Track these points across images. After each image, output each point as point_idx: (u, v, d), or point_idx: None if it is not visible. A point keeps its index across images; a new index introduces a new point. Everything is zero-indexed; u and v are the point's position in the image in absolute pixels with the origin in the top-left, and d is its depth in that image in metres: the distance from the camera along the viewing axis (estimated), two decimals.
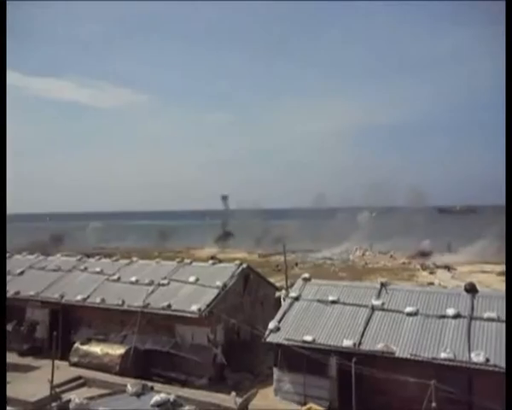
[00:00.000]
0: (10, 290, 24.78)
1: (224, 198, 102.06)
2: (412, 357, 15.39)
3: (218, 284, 21.51)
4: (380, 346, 15.92)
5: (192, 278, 22.58)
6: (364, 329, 16.97)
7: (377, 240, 70.67)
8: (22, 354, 22.65)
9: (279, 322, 18.20)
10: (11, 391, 17.54)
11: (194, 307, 20.14)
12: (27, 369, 20.81)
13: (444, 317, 16.61)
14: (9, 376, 19.75)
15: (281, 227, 79.69)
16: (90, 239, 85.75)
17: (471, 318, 16.23)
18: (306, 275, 21.04)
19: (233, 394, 16.45)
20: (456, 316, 16.44)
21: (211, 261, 25.76)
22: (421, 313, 17.05)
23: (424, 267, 52.98)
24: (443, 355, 15.01)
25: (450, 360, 14.87)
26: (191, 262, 25.29)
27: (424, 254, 61.09)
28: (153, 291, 22.42)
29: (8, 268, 27.28)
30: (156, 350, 20.62)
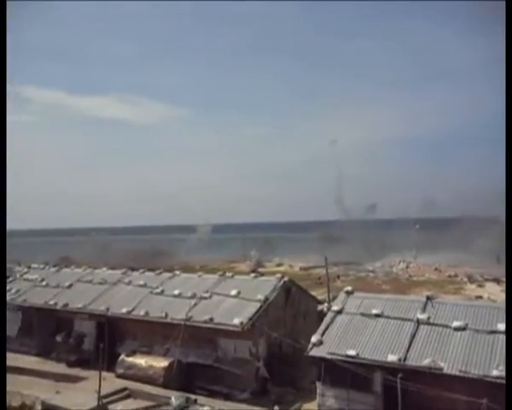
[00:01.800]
0: (59, 303, 25.76)
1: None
2: (461, 374, 14.82)
3: (260, 297, 21.52)
4: (426, 362, 15.43)
5: (234, 292, 22.69)
6: (410, 343, 16.49)
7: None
8: (71, 364, 23.37)
9: (322, 336, 17.97)
10: (62, 400, 18.23)
11: (236, 321, 20.21)
12: (76, 379, 21.45)
13: (494, 332, 15.91)
14: (59, 386, 20.64)
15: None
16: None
17: None
18: (349, 288, 20.75)
19: (276, 408, 16.38)
20: None
21: (252, 275, 25.86)
22: (469, 328, 16.41)
23: (472, 280, 51.09)
24: (495, 373, 14.36)
25: (502, 377, 14.21)
26: (233, 275, 25.45)
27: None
28: (195, 304, 22.63)
29: (57, 281, 28.45)
30: (199, 363, 20.79)
